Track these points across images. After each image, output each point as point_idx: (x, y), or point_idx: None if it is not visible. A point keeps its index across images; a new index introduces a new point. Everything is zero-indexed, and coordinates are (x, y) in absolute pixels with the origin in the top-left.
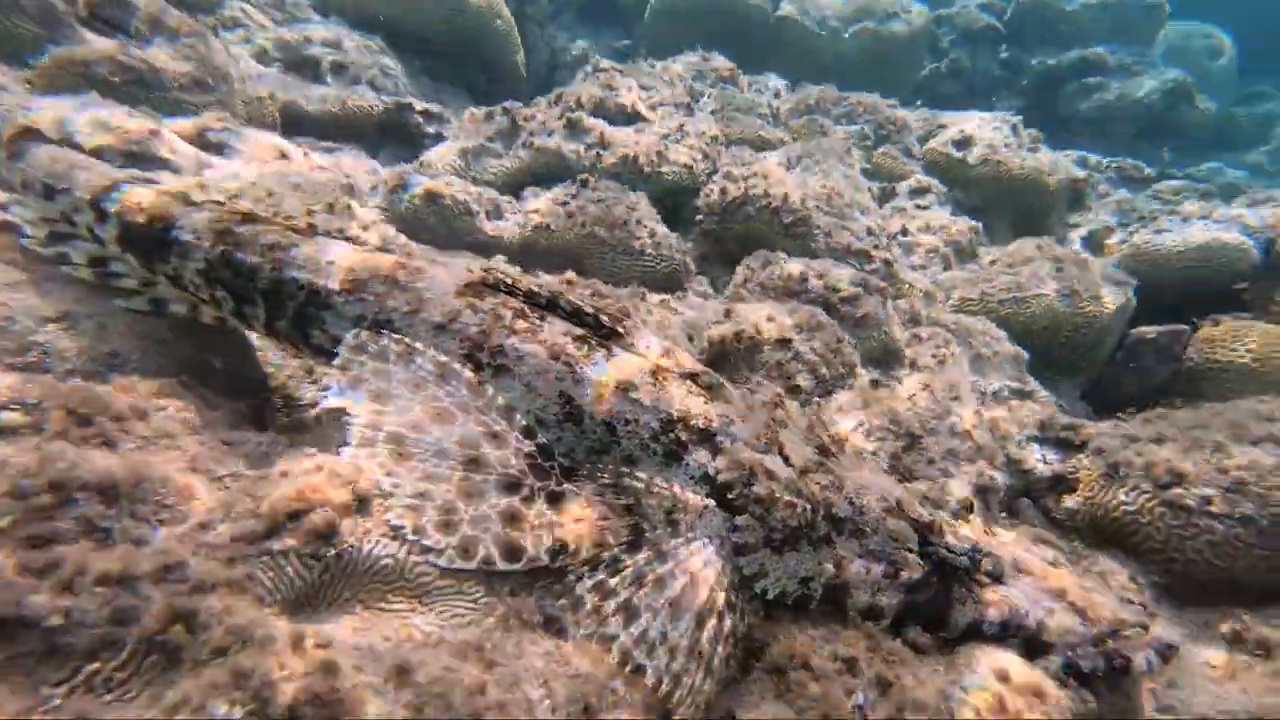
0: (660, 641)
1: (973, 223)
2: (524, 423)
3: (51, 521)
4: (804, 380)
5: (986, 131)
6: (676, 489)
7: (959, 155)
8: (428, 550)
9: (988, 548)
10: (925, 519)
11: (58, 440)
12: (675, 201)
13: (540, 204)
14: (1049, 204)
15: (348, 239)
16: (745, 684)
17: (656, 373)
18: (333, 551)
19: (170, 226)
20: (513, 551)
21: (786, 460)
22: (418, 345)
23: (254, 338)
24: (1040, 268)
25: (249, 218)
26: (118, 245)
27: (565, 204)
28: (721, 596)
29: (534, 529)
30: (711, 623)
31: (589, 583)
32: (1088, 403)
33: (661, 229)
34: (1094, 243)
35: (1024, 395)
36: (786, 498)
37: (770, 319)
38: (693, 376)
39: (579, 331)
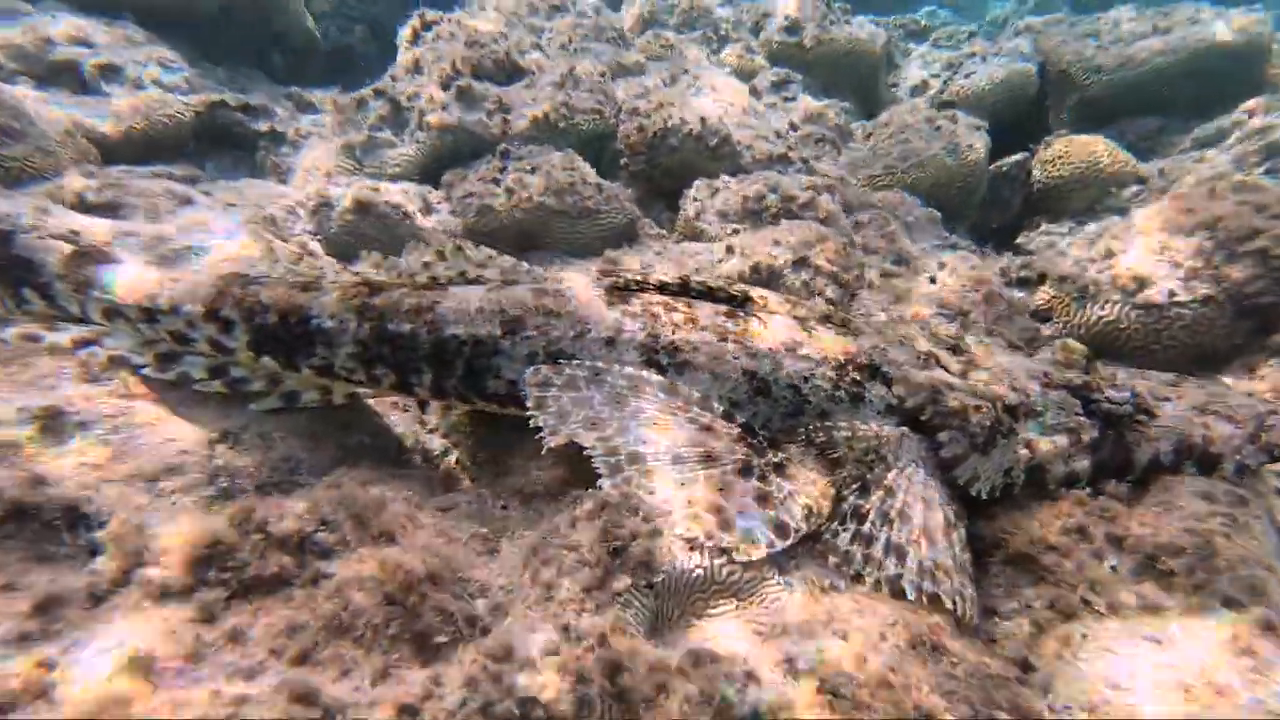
0: (934, 566)
1: (842, 103)
2: (721, 408)
3: (420, 618)
4: (832, 292)
5: (808, 10)
6: (875, 427)
7: (794, 40)
8: (724, 551)
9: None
10: (1078, 381)
11: (369, 547)
12: (594, 150)
13: (471, 186)
14: (877, 69)
15: (471, 282)
16: (987, 581)
17: (804, 326)
18: (660, 577)
19: (306, 318)
20: (781, 529)
21: (946, 369)
22: (599, 364)
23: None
24: (920, 129)
25: (375, 287)
26: (250, 351)
27: (497, 180)
28: (950, 510)
29: (783, 503)
30: (955, 535)
31: (846, 536)
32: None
33: (605, 182)
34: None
35: (954, 249)
36: (974, 403)
37: (776, 242)
38: (826, 319)
39: (724, 308)
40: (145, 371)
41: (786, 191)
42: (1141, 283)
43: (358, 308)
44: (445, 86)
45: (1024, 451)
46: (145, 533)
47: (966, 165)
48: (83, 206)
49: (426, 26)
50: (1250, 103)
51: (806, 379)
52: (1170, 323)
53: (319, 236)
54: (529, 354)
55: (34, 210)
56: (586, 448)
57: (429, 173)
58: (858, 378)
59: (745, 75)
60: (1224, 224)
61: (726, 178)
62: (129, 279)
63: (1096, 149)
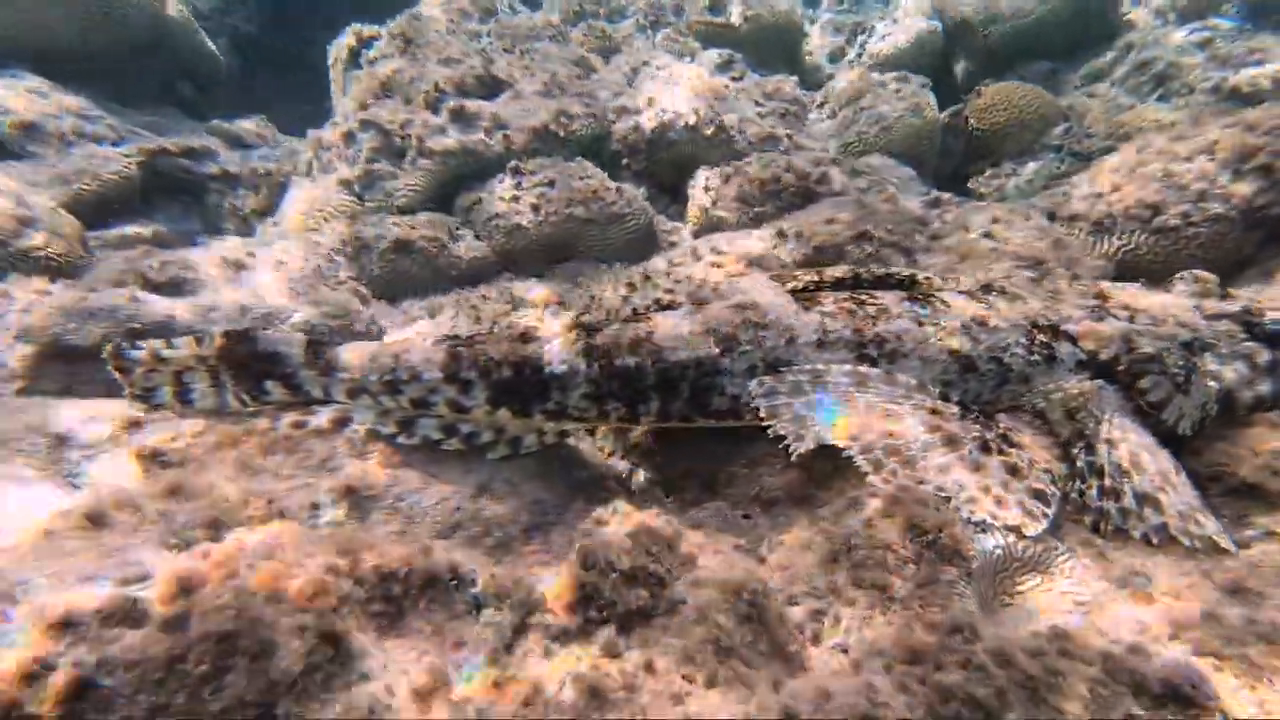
0: (1190, 510)
1: (791, 78)
2: (936, 390)
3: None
4: (899, 257)
5: None
6: (1074, 384)
7: (720, 20)
8: (1013, 528)
9: None
10: (1234, 309)
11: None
12: (593, 154)
13: (494, 207)
14: (799, 40)
15: (667, 307)
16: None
17: (978, 299)
18: (976, 564)
19: (539, 367)
20: (1041, 496)
21: (1115, 317)
22: (819, 368)
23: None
24: (880, 94)
25: (590, 329)
26: (488, 406)
27: (516, 198)
28: (1164, 451)
29: (1031, 471)
30: (1184, 475)
31: (1093, 493)
32: None
33: (622, 185)
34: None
35: (941, 204)
36: (1162, 345)
37: (829, 221)
38: (987, 289)
39: (903, 294)
40: (400, 440)
41: (800, 169)
42: (1154, 209)
43: (583, 350)
44: (431, 108)
45: (1212, 384)
46: (524, 584)
47: (929, 123)
48: (149, 287)
49: (365, 43)
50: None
51: (1005, 349)
52: (1187, 243)
53: (362, 279)
54: (749, 367)
55: (129, 299)
56: (843, 448)
57: (436, 199)
58: (1045, 340)
59: (680, 56)
60: (1221, 146)
61: (736, 163)
62: (354, 356)
63: (1025, 93)
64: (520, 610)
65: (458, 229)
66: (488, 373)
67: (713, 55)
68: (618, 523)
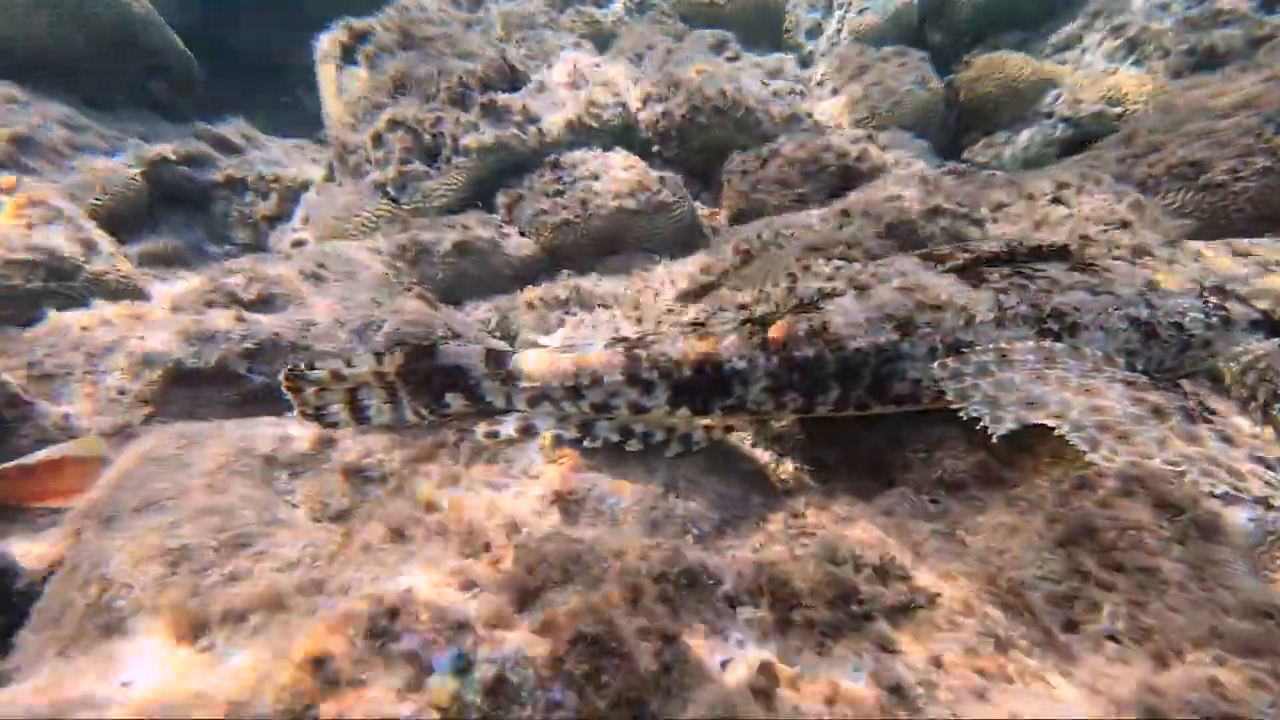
0: None
1: (789, 56)
2: (1122, 361)
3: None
4: (973, 229)
5: None
6: (1256, 345)
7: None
8: (1261, 499)
9: None
10: None
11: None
12: (623, 143)
13: (538, 203)
14: (781, 16)
15: (829, 295)
16: None
17: (1140, 263)
18: (1240, 540)
19: (719, 364)
20: (1264, 463)
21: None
22: (1004, 345)
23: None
24: (884, 68)
25: (762, 322)
26: (668, 406)
27: (559, 193)
28: None
29: (1242, 438)
30: None
31: None
32: None
33: (664, 174)
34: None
35: (960, 175)
36: None
37: (895, 198)
38: (1138, 253)
39: (1064, 265)
40: (585, 444)
41: (839, 148)
42: (1198, 166)
43: (759, 344)
44: (456, 103)
45: None
46: (776, 578)
47: (935, 95)
48: (242, 305)
49: (361, 38)
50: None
51: (1183, 313)
52: (1235, 197)
53: (425, 284)
54: (929, 350)
55: (234, 319)
56: (1053, 426)
57: (472, 197)
58: (1216, 301)
59: (676, 38)
60: (1261, 100)
61: (771, 145)
62: (533, 364)
63: (1015, 62)
64: (782, 608)
65: (502, 227)
66: (668, 374)
67: (706, 35)
68: (827, 519)
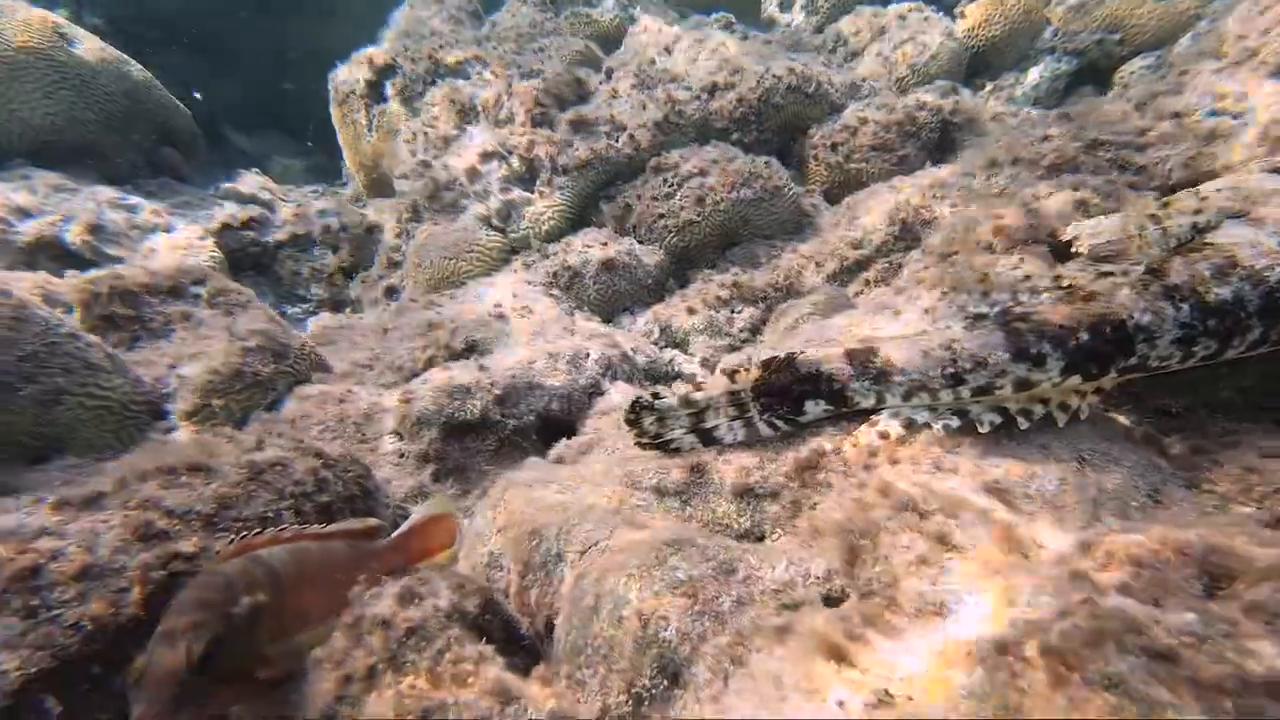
0: None
1: (802, 28)
2: None
3: None
4: (1137, 157)
5: None
6: None
7: None
8: None
9: None
10: None
11: None
12: (703, 137)
13: (653, 208)
14: None
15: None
16: None
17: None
18: None
19: (1120, 323)
20: None
21: None
22: None
23: None
24: (906, 23)
25: (1157, 273)
26: (1059, 378)
27: (670, 195)
28: None
29: None
30: None
31: None
32: None
33: (762, 158)
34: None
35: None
36: None
37: (1044, 139)
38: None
39: None
40: (952, 426)
41: (933, 104)
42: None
43: (1159, 292)
44: (538, 124)
45: None
46: None
47: (961, 43)
48: (450, 355)
49: (389, 71)
50: None
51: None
52: None
53: (579, 307)
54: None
55: (480, 369)
56: None
57: (578, 216)
58: None
59: (696, 28)
60: None
61: (858, 114)
62: (899, 358)
63: (1012, 3)
64: None
65: (621, 240)
66: (1061, 341)
67: (719, 17)
68: None
